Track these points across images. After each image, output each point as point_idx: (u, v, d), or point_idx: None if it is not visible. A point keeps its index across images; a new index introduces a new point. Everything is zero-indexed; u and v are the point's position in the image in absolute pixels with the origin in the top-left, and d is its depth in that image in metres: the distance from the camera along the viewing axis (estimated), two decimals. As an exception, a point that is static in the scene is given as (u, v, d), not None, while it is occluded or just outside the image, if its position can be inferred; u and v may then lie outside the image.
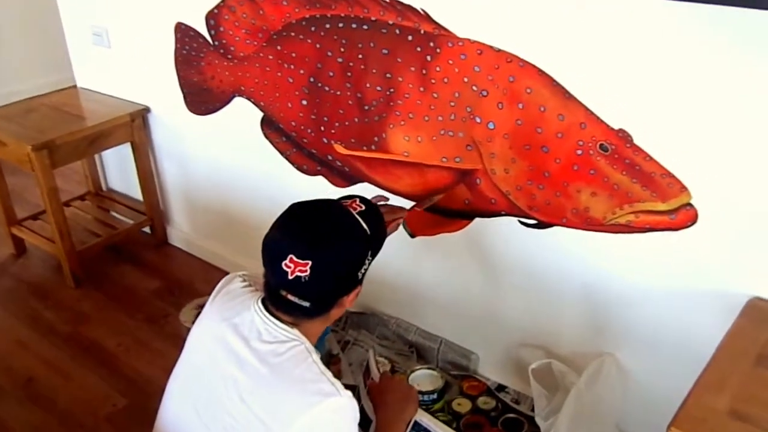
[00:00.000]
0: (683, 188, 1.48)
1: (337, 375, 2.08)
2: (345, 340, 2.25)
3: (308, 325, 1.30)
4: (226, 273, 2.61)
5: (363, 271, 1.31)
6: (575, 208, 1.66)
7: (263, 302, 1.30)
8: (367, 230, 1.32)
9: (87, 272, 2.75)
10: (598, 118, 1.54)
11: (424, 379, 1.95)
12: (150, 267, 2.85)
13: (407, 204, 1.95)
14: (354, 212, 1.33)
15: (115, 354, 2.35)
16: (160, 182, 2.89)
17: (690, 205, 1.49)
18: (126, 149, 2.78)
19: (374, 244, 1.35)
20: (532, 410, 1.87)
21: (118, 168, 3.08)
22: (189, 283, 2.73)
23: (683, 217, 1.51)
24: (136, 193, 2.92)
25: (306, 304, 1.25)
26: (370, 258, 1.33)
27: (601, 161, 1.57)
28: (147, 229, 2.98)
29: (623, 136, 1.52)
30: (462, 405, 1.95)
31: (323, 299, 1.29)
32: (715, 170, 1.43)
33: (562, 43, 1.52)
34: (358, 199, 1.41)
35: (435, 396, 1.91)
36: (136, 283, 2.74)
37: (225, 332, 1.29)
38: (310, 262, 1.20)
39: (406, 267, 2.12)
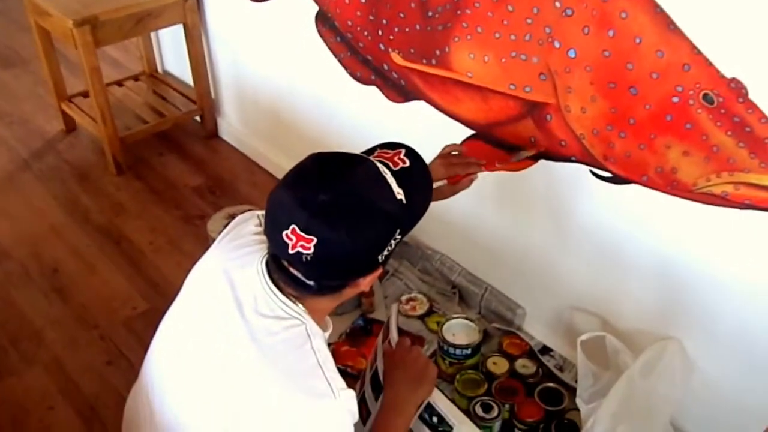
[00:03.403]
0: (804, 163, 1.17)
1: (370, 308, 1.94)
2: (385, 270, 2.05)
3: (315, 301, 1.07)
4: (271, 175, 2.50)
5: (386, 253, 1.03)
6: (660, 166, 1.36)
7: (268, 264, 1.07)
8: (403, 199, 1.02)
9: (131, 159, 2.63)
10: (707, 60, 1.21)
11: (459, 330, 1.74)
12: (195, 160, 2.70)
13: (461, 133, 1.69)
14: (388, 175, 1.03)
15: (145, 252, 2.25)
16: (212, 70, 2.69)
17: (810, 185, 1.18)
18: (181, 30, 2.57)
19: (408, 219, 1.06)
20: (576, 381, 1.65)
21: (173, 50, 2.89)
22: (231, 182, 2.57)
23: (797, 198, 1.20)
24: (190, 78, 2.73)
25: (310, 282, 1.02)
26: (399, 237, 1.04)
27: (703, 115, 1.25)
28: (198, 119, 2.81)
29: (736, 87, 1.19)
30: (498, 365, 1.74)
31: (330, 281, 1.05)
32: None
33: (675, -43, 1.18)
34: (403, 151, 1.10)
35: (469, 351, 1.70)
36: (178, 176, 2.61)
37: (220, 288, 1.08)
38: (314, 239, 0.94)
39: (460, 201, 1.86)
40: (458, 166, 1.45)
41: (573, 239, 1.65)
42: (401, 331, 1.75)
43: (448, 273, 2.00)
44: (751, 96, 1.18)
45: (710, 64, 1.21)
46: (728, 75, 1.19)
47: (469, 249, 1.97)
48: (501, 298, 1.89)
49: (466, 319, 1.76)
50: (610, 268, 1.60)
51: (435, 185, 1.39)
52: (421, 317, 1.91)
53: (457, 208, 1.86)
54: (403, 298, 1.97)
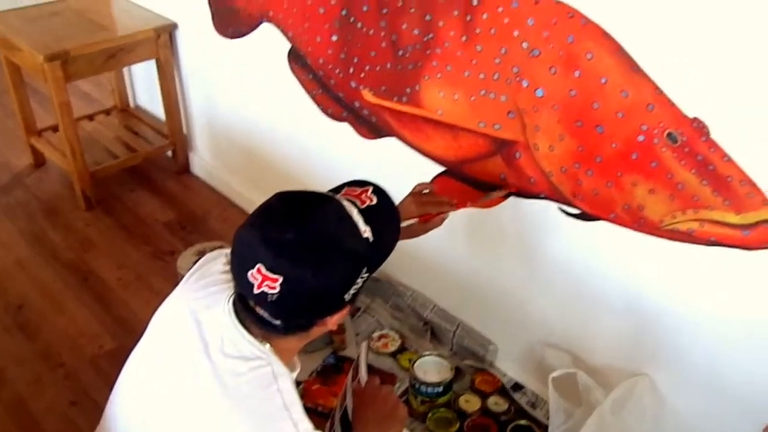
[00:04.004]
0: (766, 201, 1.18)
1: (341, 345, 1.92)
2: (356, 307, 2.04)
3: (282, 341, 1.05)
4: (243, 211, 2.48)
5: (353, 292, 1.02)
6: (628, 203, 1.38)
7: (235, 303, 1.05)
8: (370, 237, 1.01)
9: (100, 194, 2.60)
10: (670, 101, 1.23)
11: (431, 367, 1.73)
12: (166, 196, 2.68)
13: (431, 170, 1.70)
14: (355, 213, 1.02)
15: (114, 289, 2.21)
16: (185, 105, 2.69)
17: (771, 222, 1.20)
18: (154, 65, 2.56)
19: (374, 257, 1.05)
20: (548, 418, 1.64)
21: (146, 85, 2.89)
22: (203, 218, 2.55)
23: (760, 235, 1.21)
24: (163, 113, 2.72)
25: (277, 322, 1.00)
26: (366, 275, 1.03)
27: (667, 153, 1.27)
28: (170, 154, 2.80)
29: (698, 127, 1.21)
30: (470, 402, 1.72)
31: (297, 320, 1.04)
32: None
33: (635, 1, 1.20)
34: (371, 189, 1.09)
35: (441, 389, 1.69)
36: (149, 212, 2.58)
37: (186, 328, 1.06)
38: (280, 279, 0.93)
39: (432, 238, 1.86)
40: (430, 205, 1.46)
41: (544, 275, 1.66)
42: (372, 369, 1.73)
43: (420, 309, 1.99)
44: (713, 135, 1.20)
45: (673, 104, 1.23)
46: (690, 115, 1.22)
47: (441, 285, 1.96)
48: (473, 334, 1.88)
49: (438, 356, 1.75)
50: (581, 304, 1.60)
51: (406, 223, 1.39)
52: (393, 354, 1.90)
53: (428, 244, 1.86)
54: (375, 334, 1.95)
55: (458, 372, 1.80)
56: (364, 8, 1.69)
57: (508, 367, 1.84)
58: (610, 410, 1.46)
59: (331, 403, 1.70)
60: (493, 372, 1.82)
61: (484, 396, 1.74)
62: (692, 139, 1.23)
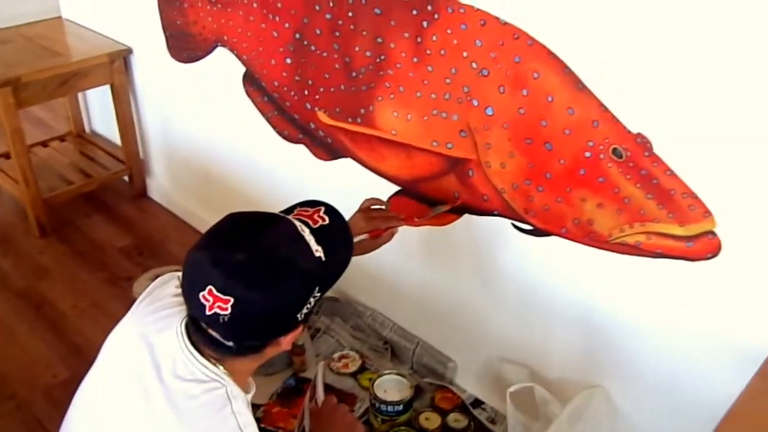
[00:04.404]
0: (707, 213, 1.22)
1: (301, 367, 1.91)
2: (315, 328, 2.04)
3: (236, 362, 1.05)
4: (201, 234, 2.46)
5: (305, 311, 1.03)
6: (577, 218, 1.41)
7: (188, 326, 1.05)
8: (322, 257, 1.02)
9: (55, 221, 2.56)
10: (614, 117, 1.27)
11: (391, 386, 1.73)
12: (123, 221, 2.64)
13: (387, 190, 1.72)
14: (307, 233, 1.03)
15: (68, 317, 2.17)
16: (141, 130, 2.67)
17: (713, 233, 1.23)
18: (109, 90, 2.54)
19: (327, 276, 1.06)
20: (509, 433, 1.65)
21: (101, 110, 2.86)
22: (161, 242, 2.52)
23: (703, 246, 1.25)
24: (119, 138, 2.69)
25: (229, 343, 1.00)
26: (318, 294, 1.03)
27: (613, 168, 1.31)
28: (126, 179, 2.77)
29: (642, 142, 1.25)
30: (430, 420, 1.73)
31: (250, 341, 1.04)
32: (748, 197, 1.16)
33: (579, 21, 1.24)
34: (322, 209, 1.11)
35: (401, 407, 1.69)
36: (105, 237, 2.54)
37: (139, 353, 1.06)
38: (231, 300, 0.94)
39: (390, 257, 1.88)
40: (378, 220, 1.47)
41: (499, 291, 1.68)
42: (333, 389, 1.73)
43: (379, 329, 2.00)
44: (656, 150, 1.24)
45: (617, 120, 1.27)
46: (634, 130, 1.25)
47: (400, 304, 1.97)
48: (432, 352, 1.89)
49: (398, 374, 1.76)
50: (536, 318, 1.63)
51: (356, 239, 1.40)
52: (354, 374, 1.89)
53: (387, 263, 1.88)
54: (336, 355, 1.95)
55: (418, 390, 1.81)
56: (317, 31, 1.71)
57: (468, 383, 1.86)
58: (567, 422, 1.48)
59: (292, 426, 1.69)
60: (453, 389, 1.83)
61: (444, 413, 1.75)
62: (636, 154, 1.27)
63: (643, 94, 1.22)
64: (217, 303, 0.94)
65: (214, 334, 0.99)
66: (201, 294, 0.95)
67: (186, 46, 2.19)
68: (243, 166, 2.24)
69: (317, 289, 1.02)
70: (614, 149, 1.29)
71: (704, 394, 1.38)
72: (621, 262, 1.38)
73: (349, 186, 1.82)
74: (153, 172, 2.75)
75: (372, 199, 1.53)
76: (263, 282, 0.95)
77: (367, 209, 1.49)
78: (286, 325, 1.03)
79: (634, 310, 1.42)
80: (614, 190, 1.32)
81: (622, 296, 1.43)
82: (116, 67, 2.44)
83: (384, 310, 2.03)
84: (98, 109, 2.91)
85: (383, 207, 1.54)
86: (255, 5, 1.85)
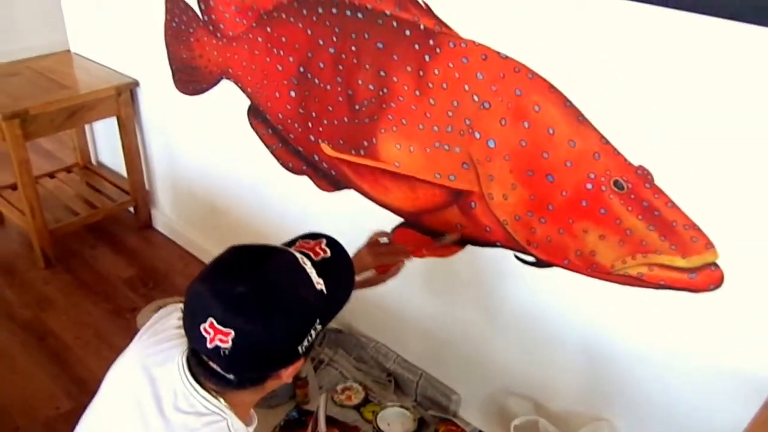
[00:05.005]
0: (709, 245, 1.22)
1: (304, 399, 1.90)
2: (319, 359, 2.03)
3: (236, 395, 1.04)
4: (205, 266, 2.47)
5: (306, 344, 1.03)
6: (580, 249, 1.41)
7: (189, 358, 1.05)
8: (323, 290, 1.03)
9: (60, 252, 2.57)
10: (615, 149, 1.28)
11: (394, 419, 1.72)
12: (128, 252, 2.65)
13: (390, 221, 1.72)
14: (308, 265, 1.03)
15: (72, 348, 2.17)
16: (147, 161, 2.69)
17: (715, 265, 1.23)
18: (116, 122, 2.57)
19: (328, 309, 1.06)
20: (513, 468, 1.63)
21: (107, 141, 2.89)
22: (165, 274, 2.53)
23: (706, 278, 1.25)
24: (124, 169, 2.71)
25: (230, 376, 1.00)
26: (319, 327, 1.03)
27: (615, 200, 1.31)
28: (131, 210, 2.79)
29: (643, 174, 1.26)
30: (434, 453, 1.72)
31: (251, 374, 1.03)
32: (750, 228, 1.17)
33: (579, 55, 1.26)
34: (324, 242, 1.11)
35: (404, 441, 1.68)
36: (109, 268, 2.55)
37: (140, 385, 1.05)
38: (232, 332, 0.94)
39: (393, 288, 1.87)
40: (385, 255, 1.47)
41: (503, 322, 1.67)
42: (334, 422, 1.72)
43: (383, 361, 1.99)
44: (657, 182, 1.24)
45: (618, 152, 1.28)
46: (635, 163, 1.26)
47: (403, 336, 1.97)
48: (436, 384, 1.88)
49: (401, 407, 1.75)
50: (540, 350, 1.62)
51: (363, 275, 1.41)
52: (357, 407, 1.88)
53: (390, 295, 1.88)
54: (339, 387, 1.94)
55: (422, 423, 1.80)
56: (321, 65, 1.73)
57: (472, 416, 1.84)
58: (572, 456, 1.47)
59: (294, 459, 1.68)
60: (457, 422, 1.81)
61: (448, 446, 1.74)
62: (637, 186, 1.27)
63: (644, 127, 1.23)
64: (217, 335, 0.94)
65: (214, 366, 0.99)
66: (202, 326, 0.95)
67: (192, 78, 2.21)
68: (247, 197, 2.26)
69: (318, 321, 1.02)
70: (615, 181, 1.30)
71: (710, 425, 1.36)
72: (624, 293, 1.38)
73: (353, 217, 1.83)
74: (158, 203, 2.76)
75: (379, 232, 1.53)
76: (264, 314, 0.95)
77: (374, 243, 1.50)
78: (287, 357, 1.02)
79: (638, 341, 1.41)
80: (616, 221, 1.33)
81: (626, 327, 1.43)
82: (123, 100, 2.47)
83: (387, 341, 2.02)
84: (104, 140, 2.93)
85: (389, 240, 1.54)
86: (260, 39, 1.87)
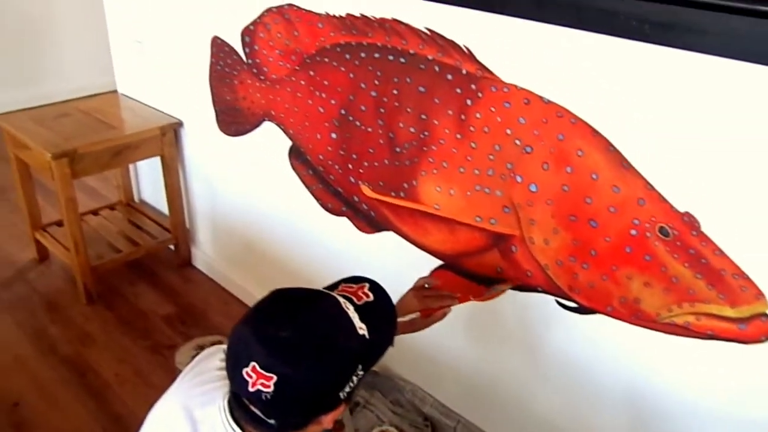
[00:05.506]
0: (760, 294, 1.19)
1: (340, 442, 1.88)
2: (355, 402, 2.01)
3: None
4: (244, 305, 2.48)
5: (348, 390, 1.02)
6: (624, 296, 1.39)
7: (230, 401, 1.05)
8: (366, 335, 1.02)
9: (102, 288, 2.61)
10: (660, 195, 1.26)
11: (431, 465, 1.69)
12: (167, 289, 2.68)
13: (429, 263, 1.72)
14: (351, 310, 1.03)
15: (111, 385, 2.19)
16: (188, 200, 2.73)
17: (766, 315, 1.20)
18: (159, 161, 2.62)
19: (370, 354, 1.06)
20: None
21: (150, 180, 2.94)
22: (203, 312, 2.55)
23: (756, 329, 1.22)
24: (166, 208, 2.76)
25: (271, 421, 0.99)
26: (361, 373, 1.03)
27: (660, 247, 1.29)
28: (172, 247, 2.83)
29: (689, 221, 1.24)
30: (472, 502, 1.68)
31: (292, 420, 1.03)
32: (803, 278, 1.14)
33: (623, 100, 1.25)
34: (367, 286, 1.11)
35: (441, 488, 1.65)
36: (149, 306, 2.58)
37: (182, 426, 1.06)
38: (274, 377, 0.94)
39: (431, 331, 1.87)
40: (431, 299, 1.47)
41: (544, 369, 1.64)
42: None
43: (420, 404, 1.96)
44: (704, 229, 1.22)
45: (663, 199, 1.26)
46: (681, 209, 1.24)
47: (441, 380, 1.94)
48: (474, 430, 1.85)
49: (438, 453, 1.72)
50: (583, 398, 1.58)
51: (408, 318, 1.40)
52: (393, 451, 1.86)
53: (428, 337, 1.85)
54: (375, 430, 1.91)
55: (460, 470, 1.76)
56: (362, 108, 1.75)
57: (511, 464, 1.80)
58: None
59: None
60: (496, 470, 1.78)
61: (486, 495, 1.70)
62: (684, 233, 1.25)
63: (690, 173, 1.21)
64: (260, 380, 0.94)
65: (256, 411, 0.99)
66: (244, 370, 0.95)
67: (235, 120, 2.25)
68: (286, 237, 2.27)
69: (360, 367, 1.02)
70: (661, 228, 1.28)
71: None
72: (671, 343, 1.34)
73: (391, 259, 1.83)
74: (198, 241, 2.80)
75: (425, 278, 1.53)
76: (306, 360, 0.95)
77: (420, 287, 1.49)
78: (328, 403, 1.02)
79: (685, 392, 1.37)
80: (661, 268, 1.30)
81: (672, 378, 1.39)
82: (167, 140, 2.53)
83: (424, 385, 1.99)
84: (147, 178, 2.99)
85: (435, 285, 1.53)
86: (303, 83, 1.90)
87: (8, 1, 4.12)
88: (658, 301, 1.33)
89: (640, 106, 1.23)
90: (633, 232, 1.32)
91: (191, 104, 2.44)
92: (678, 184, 1.24)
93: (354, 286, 1.10)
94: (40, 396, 2.13)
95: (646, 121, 1.23)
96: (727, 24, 1.07)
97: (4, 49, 4.18)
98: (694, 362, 1.33)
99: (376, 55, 1.67)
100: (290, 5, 1.85)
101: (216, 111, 2.32)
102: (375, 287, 1.11)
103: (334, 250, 2.08)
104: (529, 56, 1.37)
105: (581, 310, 1.48)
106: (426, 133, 1.62)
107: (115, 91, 2.87)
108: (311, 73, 1.87)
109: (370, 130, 1.76)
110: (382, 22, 1.62)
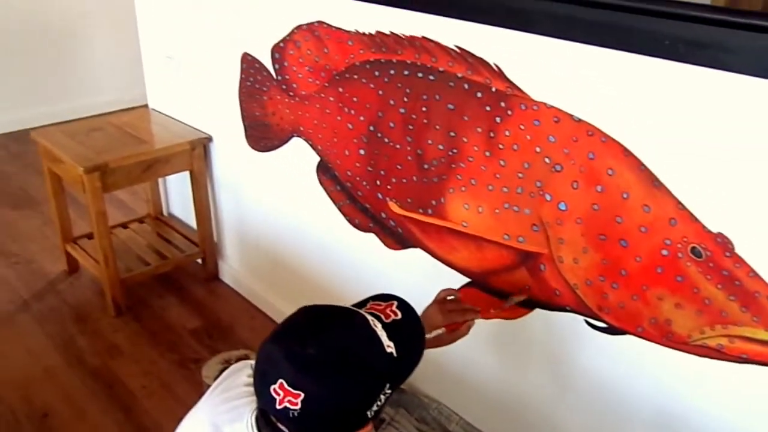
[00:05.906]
0: (795, 317, 1.17)
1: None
2: (380, 419, 2.00)
3: None
4: (270, 320, 2.49)
5: (375, 408, 1.02)
6: (654, 317, 1.37)
7: (258, 418, 1.05)
8: (394, 352, 1.02)
9: (130, 301, 2.63)
10: (692, 215, 1.25)
11: (457, 485, 1.68)
12: (194, 303, 2.70)
13: (456, 280, 1.71)
14: (379, 327, 1.03)
15: (138, 397, 2.20)
16: (216, 214, 2.76)
17: (802, 339, 1.18)
18: (188, 176, 2.65)
19: (398, 373, 1.06)
20: None
21: (179, 194, 2.98)
22: (230, 326, 2.56)
23: (792, 352, 1.20)
24: (194, 221, 2.79)
25: None
26: (389, 392, 1.03)
27: (692, 268, 1.27)
28: (199, 261, 2.85)
29: (722, 242, 1.22)
30: None
31: None
32: (840, 302, 1.11)
33: (654, 119, 1.24)
34: (395, 304, 1.11)
35: None
36: (176, 319, 2.60)
37: None
38: (302, 395, 0.94)
39: (458, 349, 1.85)
40: (455, 313, 1.46)
41: (571, 389, 1.62)
42: (396, 486, 1.68)
43: (445, 422, 1.94)
44: (738, 250, 1.20)
45: (696, 219, 1.24)
46: (714, 230, 1.22)
47: (467, 397, 1.93)
48: (500, 450, 1.83)
49: (463, 473, 1.70)
50: (610, 420, 1.56)
51: (433, 333, 1.40)
52: (418, 470, 1.84)
53: (455, 355, 1.85)
54: (400, 448, 1.90)
55: (485, 490, 1.75)
56: (391, 125, 1.76)
57: (537, 485, 1.78)
58: None
59: None
60: (522, 491, 1.75)
61: None
62: (717, 254, 1.23)
63: (723, 193, 1.19)
64: (287, 397, 0.94)
65: (283, 428, 0.99)
66: (272, 387, 0.95)
67: (264, 135, 2.27)
68: (313, 253, 2.28)
69: (388, 386, 1.01)
70: (693, 248, 1.26)
71: None
72: (703, 365, 1.32)
73: (419, 276, 1.83)
74: (226, 255, 2.82)
75: (447, 290, 1.52)
76: (334, 378, 0.95)
77: (442, 301, 1.49)
78: (356, 421, 1.02)
79: (717, 417, 1.35)
80: (693, 290, 1.28)
81: (704, 402, 1.36)
82: (196, 154, 2.55)
83: (450, 402, 1.97)
84: (176, 192, 3.03)
85: (457, 298, 1.53)
86: (332, 99, 1.92)
87: (43, 17, 4.21)
88: (689, 323, 1.31)
89: (671, 125, 1.22)
90: (664, 252, 1.30)
91: (221, 120, 2.47)
92: (710, 204, 1.22)
93: (382, 304, 1.10)
94: (68, 407, 2.15)
95: (678, 140, 1.22)
96: (758, 43, 1.06)
97: (38, 64, 4.28)
98: (727, 386, 1.31)
99: (406, 72, 1.67)
100: (320, 23, 1.86)
101: (245, 126, 2.35)
102: (403, 305, 1.11)
103: (361, 265, 2.08)
104: (559, 75, 1.37)
105: (611, 330, 1.47)
106: (454, 150, 1.62)
107: (146, 106, 2.91)
108: (340, 89, 1.88)
109: (398, 146, 1.77)
110: (412, 39, 1.63)
